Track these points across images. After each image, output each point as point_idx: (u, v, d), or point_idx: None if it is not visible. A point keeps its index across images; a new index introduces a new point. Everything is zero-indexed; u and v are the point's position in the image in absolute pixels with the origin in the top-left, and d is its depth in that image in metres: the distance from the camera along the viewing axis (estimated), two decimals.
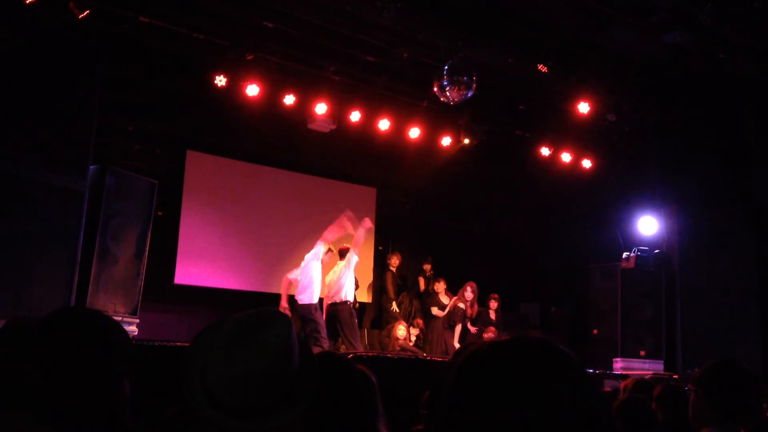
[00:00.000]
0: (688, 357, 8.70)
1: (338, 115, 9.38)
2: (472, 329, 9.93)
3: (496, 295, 10.22)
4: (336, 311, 8.58)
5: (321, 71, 8.77)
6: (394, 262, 10.62)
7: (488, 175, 11.26)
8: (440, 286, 10.27)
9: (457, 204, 11.78)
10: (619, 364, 8.88)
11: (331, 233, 8.52)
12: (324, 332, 8.22)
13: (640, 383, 4.22)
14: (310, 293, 8.30)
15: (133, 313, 6.99)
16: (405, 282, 11.15)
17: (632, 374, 7.48)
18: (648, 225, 9.28)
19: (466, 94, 7.82)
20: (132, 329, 6.85)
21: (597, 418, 0.99)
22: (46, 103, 5.54)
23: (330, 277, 8.72)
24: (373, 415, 2.06)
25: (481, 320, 10.04)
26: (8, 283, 5.16)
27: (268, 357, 1.54)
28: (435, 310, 10.15)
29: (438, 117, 9.88)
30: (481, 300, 10.11)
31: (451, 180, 11.09)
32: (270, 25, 7.71)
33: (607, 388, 5.82)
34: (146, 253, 7.12)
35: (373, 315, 11.15)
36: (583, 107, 9.03)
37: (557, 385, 0.97)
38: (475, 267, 10.94)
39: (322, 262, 8.56)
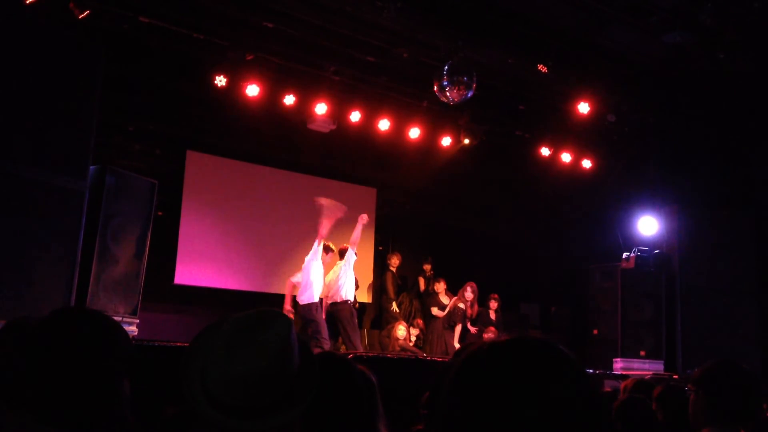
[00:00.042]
0: (688, 357, 8.71)
1: (338, 115, 9.38)
2: (472, 329, 9.93)
3: (496, 295, 10.22)
4: (336, 311, 8.59)
5: (321, 71, 8.78)
6: (394, 262, 10.62)
7: (488, 175, 11.26)
8: (440, 286, 10.27)
9: (457, 204, 11.78)
10: (619, 365, 8.88)
11: (324, 227, 8.48)
12: (325, 332, 8.23)
13: (640, 383, 4.21)
14: (310, 293, 8.30)
15: (133, 314, 6.98)
16: (405, 282, 11.15)
17: (632, 374, 7.48)
18: (648, 225, 9.28)
19: (466, 94, 7.83)
20: (132, 329, 6.85)
21: (597, 419, 0.99)
22: (46, 103, 5.53)
23: (330, 276, 8.72)
24: (373, 415, 2.06)
25: (481, 320, 10.04)
26: (8, 283, 5.16)
27: (268, 357, 1.54)
28: (435, 311, 10.15)
29: (438, 117, 9.88)
30: (481, 300, 10.11)
31: (451, 180, 11.09)
32: (270, 25, 7.71)
33: (607, 388, 5.81)
34: (146, 253, 7.12)
35: (373, 315, 11.14)
36: (583, 107, 9.04)
37: (557, 386, 0.97)
38: (475, 267, 10.94)
39: (323, 263, 8.56)
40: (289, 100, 8.91)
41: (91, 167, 6.08)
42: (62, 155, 5.62)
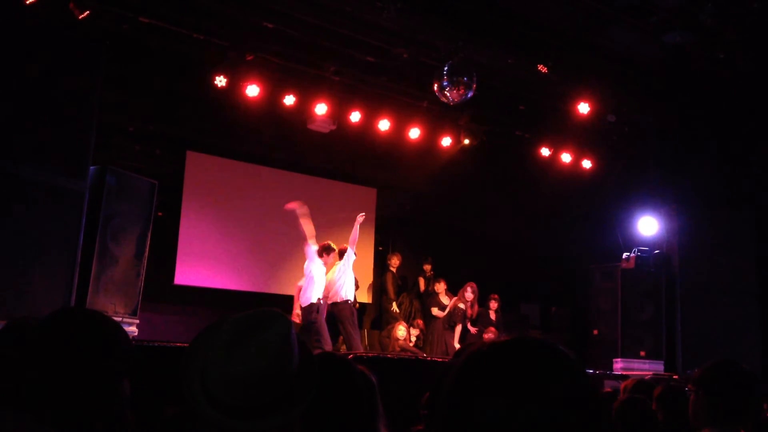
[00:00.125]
0: (688, 357, 8.71)
1: (338, 115, 9.38)
2: (473, 330, 9.93)
3: (496, 296, 10.22)
4: (336, 311, 8.60)
5: (321, 71, 8.78)
6: (394, 262, 10.62)
7: (488, 175, 11.26)
8: (440, 287, 10.27)
9: (457, 204, 11.78)
10: (619, 365, 8.88)
11: (303, 228, 8.48)
12: (326, 333, 8.24)
13: (640, 384, 4.21)
14: (310, 294, 8.32)
15: (133, 314, 6.98)
16: (405, 282, 11.15)
17: (632, 375, 7.48)
18: (648, 225, 9.29)
19: (466, 94, 7.83)
20: (132, 330, 6.85)
21: (597, 419, 0.99)
22: (46, 103, 5.53)
23: (329, 276, 8.73)
24: (373, 415, 2.06)
25: (481, 321, 10.04)
26: (8, 283, 5.16)
27: (267, 357, 1.54)
28: (435, 311, 10.15)
29: (438, 117, 9.88)
30: (481, 300, 10.11)
31: (451, 180, 11.09)
32: (270, 25, 7.71)
33: (607, 389, 5.81)
34: (146, 253, 7.12)
35: (373, 315, 11.14)
36: (583, 107, 9.04)
37: (557, 386, 0.98)
38: (475, 267, 10.93)
39: (325, 264, 8.57)
40: (289, 100, 8.91)
41: (91, 167, 6.08)
42: (62, 155, 5.63)
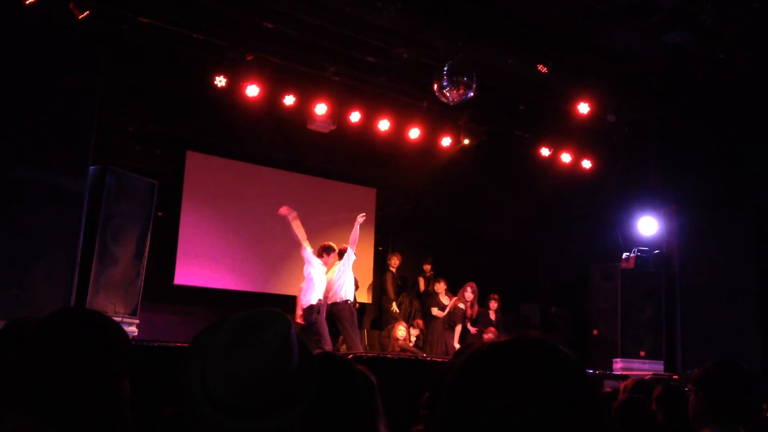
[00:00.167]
0: (688, 357, 8.71)
1: (338, 115, 9.38)
2: (472, 330, 9.93)
3: (496, 296, 10.22)
4: (336, 311, 8.60)
5: (321, 72, 8.78)
6: (394, 262, 10.62)
7: (488, 175, 11.26)
8: (440, 287, 10.27)
9: (457, 204, 11.78)
10: (619, 365, 8.88)
11: (295, 232, 8.49)
12: (326, 333, 8.24)
13: (640, 384, 4.21)
14: (309, 297, 8.32)
15: (133, 314, 6.98)
16: (405, 282, 11.15)
17: (632, 375, 7.48)
18: (648, 225, 9.28)
19: (466, 94, 7.83)
20: (132, 330, 6.85)
21: (597, 419, 0.99)
22: (46, 103, 5.53)
23: (329, 276, 8.73)
24: (373, 415, 2.06)
25: (481, 321, 10.04)
26: (8, 283, 5.16)
27: (267, 357, 1.54)
28: (435, 311, 10.15)
29: (438, 117, 9.88)
30: (481, 300, 10.11)
31: (451, 180, 11.09)
32: (270, 25, 7.71)
33: (607, 389, 5.81)
34: (146, 253, 7.12)
35: (373, 315, 11.14)
36: (583, 107, 9.04)
37: (557, 386, 0.98)
38: (475, 267, 10.94)
39: (325, 264, 8.57)
40: (289, 100, 8.91)
41: (91, 167, 6.08)
42: (62, 155, 5.63)
